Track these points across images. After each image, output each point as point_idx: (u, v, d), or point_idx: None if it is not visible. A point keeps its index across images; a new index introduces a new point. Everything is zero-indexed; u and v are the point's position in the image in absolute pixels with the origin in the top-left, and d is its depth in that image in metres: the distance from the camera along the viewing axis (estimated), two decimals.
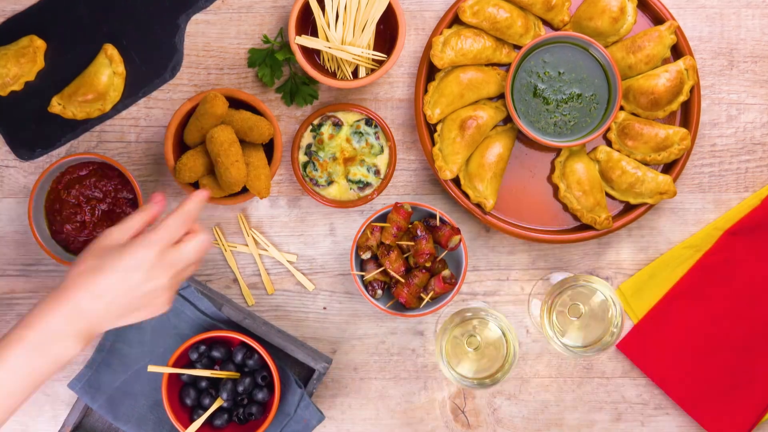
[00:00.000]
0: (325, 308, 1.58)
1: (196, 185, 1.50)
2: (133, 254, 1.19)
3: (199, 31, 1.57)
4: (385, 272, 1.49)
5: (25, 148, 1.57)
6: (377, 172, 1.52)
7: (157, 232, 1.21)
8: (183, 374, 1.48)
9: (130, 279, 1.19)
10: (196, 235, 1.25)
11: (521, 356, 1.57)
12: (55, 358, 1.15)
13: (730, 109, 1.58)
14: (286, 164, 1.57)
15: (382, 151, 1.52)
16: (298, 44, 1.49)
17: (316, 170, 1.52)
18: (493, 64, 1.55)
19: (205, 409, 1.48)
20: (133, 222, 1.24)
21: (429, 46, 1.53)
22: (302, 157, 1.53)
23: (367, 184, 1.52)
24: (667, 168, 1.54)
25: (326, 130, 1.52)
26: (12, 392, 1.13)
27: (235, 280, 1.57)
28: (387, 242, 1.46)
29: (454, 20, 1.54)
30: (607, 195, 1.55)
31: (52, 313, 1.15)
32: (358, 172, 1.52)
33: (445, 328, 1.43)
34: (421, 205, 1.48)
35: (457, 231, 1.45)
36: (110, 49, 1.54)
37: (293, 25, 1.48)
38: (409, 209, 1.46)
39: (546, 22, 1.55)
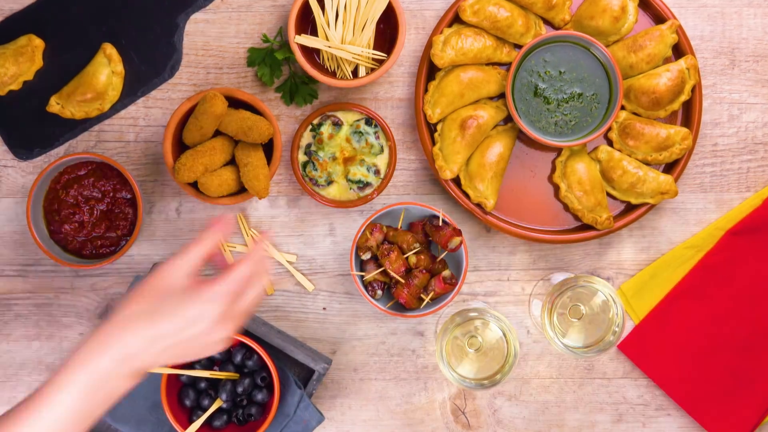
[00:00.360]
0: (324, 309, 1.58)
1: (195, 185, 1.50)
2: (197, 307, 1.12)
3: (198, 30, 1.57)
4: (385, 273, 1.49)
5: (24, 147, 1.56)
6: (377, 172, 1.52)
7: (225, 285, 1.13)
8: (182, 375, 1.48)
9: (189, 330, 1.12)
10: (258, 283, 1.17)
11: (522, 357, 1.57)
12: (106, 396, 1.10)
13: (732, 108, 1.58)
14: (285, 164, 1.57)
15: (382, 150, 1.52)
16: (297, 43, 1.48)
17: (316, 170, 1.52)
18: (493, 64, 1.55)
19: (205, 410, 1.48)
20: (192, 257, 1.15)
21: (429, 45, 1.52)
22: (302, 157, 1.52)
23: (367, 184, 1.52)
24: (669, 168, 1.54)
25: (326, 129, 1.51)
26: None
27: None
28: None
29: (455, 19, 1.54)
30: (608, 195, 1.55)
31: (101, 355, 1.09)
32: (358, 171, 1.51)
33: (445, 329, 1.43)
34: (422, 205, 1.47)
35: (459, 232, 1.45)
36: (109, 49, 1.54)
37: (293, 24, 1.48)
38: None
39: (547, 21, 1.55)
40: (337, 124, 1.51)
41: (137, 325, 1.11)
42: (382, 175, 1.52)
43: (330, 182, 1.52)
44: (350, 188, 1.52)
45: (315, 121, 1.52)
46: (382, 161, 1.52)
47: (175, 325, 1.11)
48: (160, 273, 1.14)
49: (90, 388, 1.09)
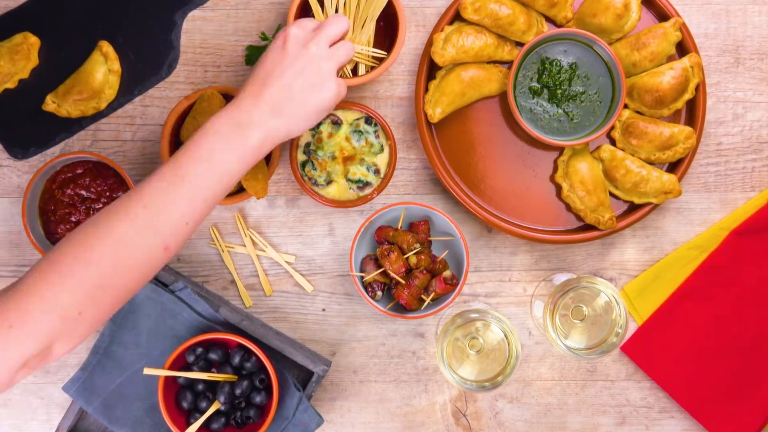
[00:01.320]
0: (324, 310, 1.57)
1: None
2: (282, 35, 1.32)
3: (196, 28, 1.57)
4: (385, 273, 1.49)
5: (19, 146, 1.56)
6: (377, 172, 1.51)
7: (320, 34, 1.33)
8: (179, 377, 1.48)
9: (288, 50, 1.30)
10: (345, 42, 1.37)
11: (524, 358, 1.56)
12: (236, 145, 1.25)
13: (736, 107, 1.57)
14: (284, 163, 1.56)
15: (382, 149, 1.51)
16: None
17: (315, 169, 1.50)
18: (495, 62, 1.54)
19: (202, 412, 1.48)
20: (310, 22, 1.35)
21: (430, 44, 1.52)
22: (301, 156, 1.51)
23: (367, 184, 1.51)
24: (672, 167, 1.54)
25: (325, 128, 1.50)
26: (198, 173, 1.23)
27: (233, 282, 1.57)
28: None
29: (456, 17, 1.53)
30: (611, 194, 1.54)
31: (234, 106, 1.27)
32: (358, 171, 1.50)
33: (446, 330, 1.43)
34: (422, 204, 1.47)
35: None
36: (105, 47, 1.53)
37: (291, 22, 1.46)
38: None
39: (549, 19, 1.54)
40: (337, 123, 1.50)
41: (261, 65, 1.31)
42: (382, 175, 1.51)
43: (329, 182, 1.51)
44: (350, 188, 1.51)
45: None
46: (382, 160, 1.51)
47: (274, 47, 1.31)
48: (284, 32, 1.34)
49: (219, 133, 1.25)
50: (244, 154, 1.26)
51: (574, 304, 1.43)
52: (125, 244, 1.19)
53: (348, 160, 1.51)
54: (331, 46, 1.35)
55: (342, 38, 1.39)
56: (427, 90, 1.52)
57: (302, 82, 1.30)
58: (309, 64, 1.31)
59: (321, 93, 1.32)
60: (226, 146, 1.25)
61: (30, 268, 1.16)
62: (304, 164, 1.51)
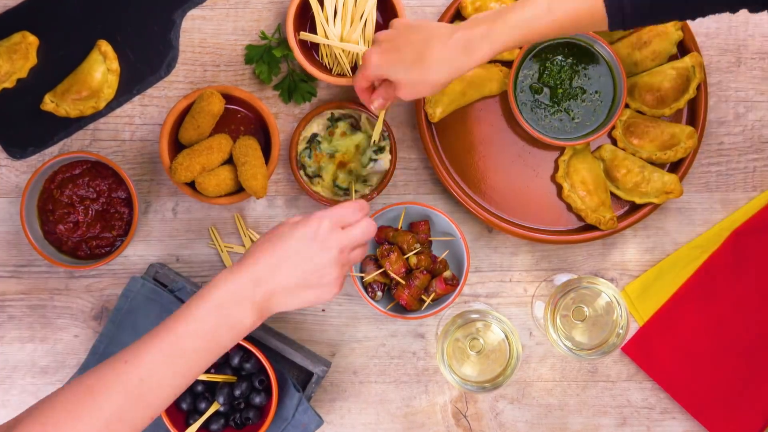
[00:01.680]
0: (323, 310, 1.57)
1: (192, 184, 1.49)
2: (308, 225, 1.25)
3: (195, 27, 1.56)
4: (385, 274, 1.48)
5: (17, 146, 1.55)
6: (364, 182, 1.52)
7: (332, 210, 1.27)
8: None
9: (304, 249, 1.23)
10: (364, 219, 1.29)
11: (524, 359, 1.56)
12: (233, 323, 1.20)
13: (738, 106, 1.57)
14: (283, 163, 1.56)
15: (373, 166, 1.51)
16: (296, 40, 1.48)
17: (310, 158, 1.50)
18: (495, 61, 1.53)
19: (201, 413, 1.47)
20: (345, 215, 1.29)
21: None
22: (302, 144, 1.51)
23: (347, 190, 1.51)
24: (674, 167, 1.54)
25: (342, 126, 1.49)
26: (197, 348, 1.18)
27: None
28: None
29: (456, 16, 1.53)
30: (612, 194, 1.54)
31: (233, 278, 1.21)
32: (345, 179, 1.50)
33: (446, 331, 1.43)
34: (422, 204, 1.47)
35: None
36: (104, 46, 1.53)
37: (291, 21, 1.48)
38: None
39: None
40: (355, 128, 1.50)
41: (262, 252, 1.24)
42: (371, 186, 1.52)
43: (316, 176, 1.50)
44: (334, 191, 1.51)
45: (336, 112, 1.51)
46: (380, 167, 1.51)
47: (291, 244, 1.24)
48: (285, 221, 1.29)
49: (221, 306, 1.20)
50: (240, 334, 1.22)
51: (575, 304, 1.43)
52: (118, 419, 1.15)
53: (342, 165, 1.51)
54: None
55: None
56: None
57: (315, 279, 1.25)
58: (329, 266, 1.25)
59: (322, 295, 1.26)
60: (225, 325, 1.20)
61: (21, 423, 1.13)
62: (303, 150, 1.51)
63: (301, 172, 1.51)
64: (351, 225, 1.27)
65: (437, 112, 1.50)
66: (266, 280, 1.22)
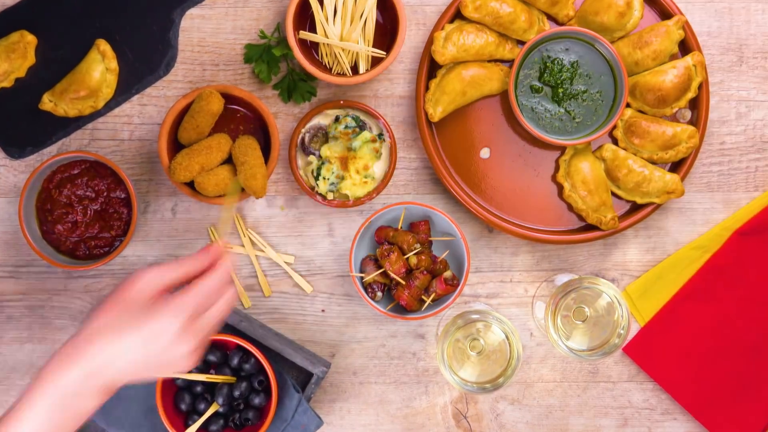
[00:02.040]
0: (323, 311, 1.57)
1: (191, 184, 1.49)
2: (159, 321, 1.13)
3: (194, 26, 1.56)
4: (385, 274, 1.48)
5: (16, 146, 1.55)
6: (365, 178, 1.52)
7: (188, 298, 1.14)
8: (177, 378, 1.47)
9: (152, 345, 1.13)
10: (223, 295, 1.18)
11: (525, 360, 1.56)
12: (75, 413, 1.12)
13: (740, 106, 1.56)
14: (283, 163, 1.55)
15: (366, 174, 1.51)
16: (296, 39, 1.47)
17: (316, 142, 1.51)
18: (496, 60, 1.53)
19: (201, 414, 1.47)
20: (166, 272, 1.16)
21: (430, 42, 1.51)
22: (306, 133, 1.51)
23: (331, 189, 1.51)
24: (675, 167, 1.53)
25: (343, 124, 1.50)
26: None
27: (231, 282, 1.54)
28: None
29: (456, 15, 1.52)
30: (613, 194, 1.54)
31: (69, 369, 1.11)
32: (333, 174, 1.51)
33: (447, 331, 1.43)
34: (423, 204, 1.47)
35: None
36: (103, 45, 1.53)
37: (291, 20, 1.47)
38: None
39: (550, 17, 1.54)
40: (362, 128, 1.50)
41: (103, 339, 1.12)
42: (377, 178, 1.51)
43: (318, 168, 1.50)
44: (328, 187, 1.51)
45: (342, 113, 1.51)
46: (380, 166, 1.51)
47: (137, 339, 1.12)
48: (131, 282, 1.15)
49: (58, 406, 1.10)
50: (82, 421, 1.13)
51: (576, 305, 1.42)
52: None
53: (343, 161, 1.50)
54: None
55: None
56: (427, 89, 1.52)
57: (164, 360, 1.14)
58: (178, 351, 1.13)
59: (173, 369, 1.15)
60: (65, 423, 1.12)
61: None
62: (305, 136, 1.51)
63: (306, 170, 1.51)
64: (208, 307, 1.16)
65: (437, 112, 1.50)
66: (106, 370, 1.12)
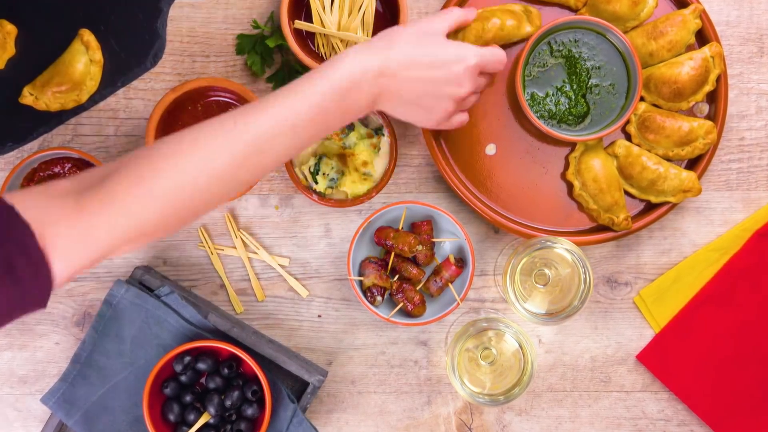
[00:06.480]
0: (320, 316, 1.55)
1: None
2: (459, 52, 1.26)
3: (184, 16, 1.55)
4: (384, 278, 1.48)
5: None
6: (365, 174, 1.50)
7: (482, 53, 1.28)
8: (166, 388, 1.48)
9: (440, 74, 1.25)
10: (493, 75, 1.36)
11: None
12: (344, 99, 1.21)
13: (760, 99, 1.55)
14: None
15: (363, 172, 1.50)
16: (293, 29, 1.46)
17: (329, 138, 1.50)
18: (514, 43, 1.52)
19: (190, 425, 1.47)
20: (452, 16, 1.32)
21: None
22: None
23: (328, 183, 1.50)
24: (692, 164, 1.52)
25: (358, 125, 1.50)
26: (302, 121, 1.18)
27: (222, 286, 1.55)
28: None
29: (459, 5, 1.50)
30: (626, 193, 1.52)
31: (362, 58, 1.21)
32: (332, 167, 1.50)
33: (457, 340, 1.43)
34: (425, 204, 1.46)
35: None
36: (87, 35, 1.49)
37: (285, 9, 1.46)
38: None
39: (561, 5, 1.52)
40: (350, 126, 1.49)
41: (404, 41, 1.24)
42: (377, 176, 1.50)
43: (317, 163, 1.49)
44: (327, 183, 1.49)
45: None
46: (381, 160, 1.50)
47: (427, 57, 1.24)
48: (423, 20, 1.29)
49: (334, 80, 1.19)
50: (353, 117, 1.23)
51: (537, 269, 1.44)
52: (219, 178, 1.16)
53: (342, 156, 1.49)
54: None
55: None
56: None
57: (430, 103, 1.28)
58: (449, 100, 1.28)
59: (425, 119, 1.30)
60: (340, 107, 1.22)
61: (116, 167, 1.14)
62: None
63: (302, 167, 1.49)
64: (485, 74, 1.32)
65: None
66: (390, 78, 1.23)
